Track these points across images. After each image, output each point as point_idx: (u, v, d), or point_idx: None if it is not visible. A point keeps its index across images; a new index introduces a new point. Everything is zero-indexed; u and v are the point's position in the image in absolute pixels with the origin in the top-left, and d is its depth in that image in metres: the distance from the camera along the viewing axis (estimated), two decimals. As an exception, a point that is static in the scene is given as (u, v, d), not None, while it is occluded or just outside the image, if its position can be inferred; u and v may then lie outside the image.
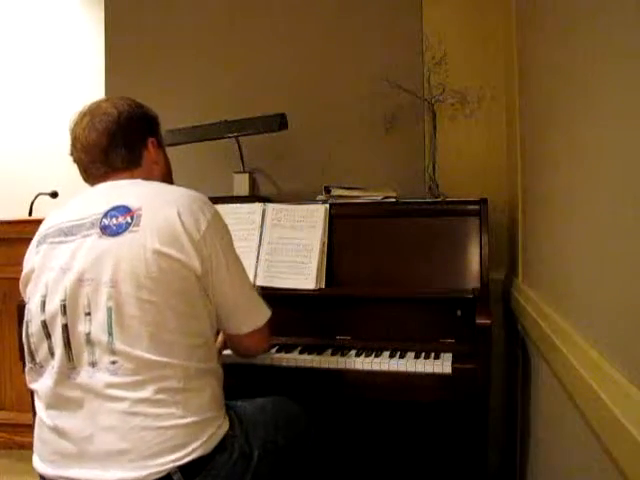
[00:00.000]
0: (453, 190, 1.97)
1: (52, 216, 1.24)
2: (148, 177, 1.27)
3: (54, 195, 2.86)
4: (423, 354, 1.55)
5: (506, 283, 2.02)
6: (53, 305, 1.11)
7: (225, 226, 1.23)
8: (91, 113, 1.25)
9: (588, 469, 0.95)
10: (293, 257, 1.76)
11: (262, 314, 1.30)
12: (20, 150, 3.50)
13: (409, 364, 1.50)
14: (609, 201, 0.84)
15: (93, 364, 1.08)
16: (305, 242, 1.77)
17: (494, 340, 1.45)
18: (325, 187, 1.92)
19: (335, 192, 1.91)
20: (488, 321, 1.43)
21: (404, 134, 2.20)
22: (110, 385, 1.06)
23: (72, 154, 1.27)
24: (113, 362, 1.07)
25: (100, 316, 1.08)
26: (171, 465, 1.06)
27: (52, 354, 1.12)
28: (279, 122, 2.09)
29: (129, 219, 1.12)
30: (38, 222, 2.31)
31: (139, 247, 1.09)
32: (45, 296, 1.13)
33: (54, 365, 1.11)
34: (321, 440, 1.44)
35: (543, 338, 1.28)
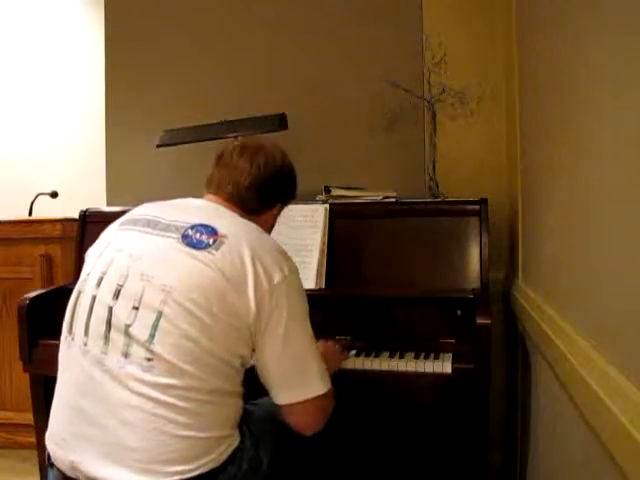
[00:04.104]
0: (453, 190, 1.98)
1: (145, 207, 1.28)
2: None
3: (54, 195, 2.85)
4: (423, 354, 1.55)
5: (506, 283, 2.02)
6: (109, 285, 1.13)
7: (302, 291, 1.22)
8: (264, 149, 1.33)
9: (588, 469, 0.95)
10: (293, 257, 1.75)
11: (305, 388, 1.17)
12: (20, 150, 3.50)
13: (409, 364, 1.50)
14: (609, 200, 0.84)
15: (126, 355, 1.08)
16: (305, 242, 1.77)
17: (494, 340, 1.45)
18: (325, 187, 1.92)
19: (335, 192, 1.91)
20: (488, 321, 1.43)
21: (404, 134, 2.20)
22: (140, 381, 1.06)
23: (219, 161, 1.37)
24: (149, 359, 1.06)
25: (147, 315, 1.08)
26: (178, 477, 1.04)
27: (86, 331, 1.12)
28: (279, 122, 2.09)
29: (211, 241, 1.14)
30: (38, 222, 2.31)
31: (207, 268, 1.10)
32: (105, 273, 1.15)
33: (87, 342, 1.12)
34: (324, 444, 1.42)
35: (543, 338, 1.28)
